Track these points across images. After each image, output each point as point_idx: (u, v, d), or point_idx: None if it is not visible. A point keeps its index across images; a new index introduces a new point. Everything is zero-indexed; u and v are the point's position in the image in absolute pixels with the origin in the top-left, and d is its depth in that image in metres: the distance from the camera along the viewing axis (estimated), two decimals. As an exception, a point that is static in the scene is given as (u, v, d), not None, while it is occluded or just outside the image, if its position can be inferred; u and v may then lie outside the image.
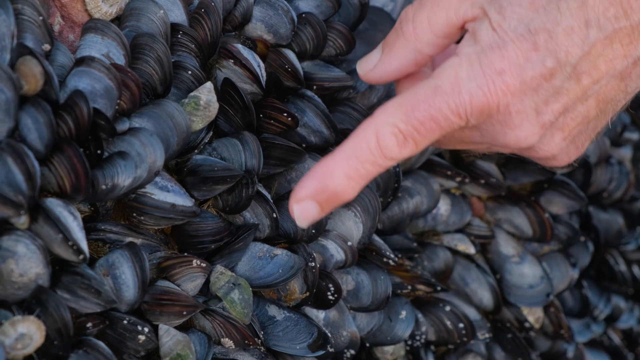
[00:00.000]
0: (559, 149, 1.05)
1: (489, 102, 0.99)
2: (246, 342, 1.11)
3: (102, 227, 1.07)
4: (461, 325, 1.28)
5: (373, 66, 1.08)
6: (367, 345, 1.26)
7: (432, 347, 1.33)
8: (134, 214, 1.08)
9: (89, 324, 1.03)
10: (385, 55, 1.08)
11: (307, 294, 1.16)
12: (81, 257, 1.00)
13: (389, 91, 1.26)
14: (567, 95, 1.01)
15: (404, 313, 1.25)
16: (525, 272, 1.33)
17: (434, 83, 0.99)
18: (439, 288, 1.28)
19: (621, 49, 1.00)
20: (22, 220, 0.99)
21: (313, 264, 1.15)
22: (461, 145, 1.10)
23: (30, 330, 0.98)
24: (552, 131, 1.03)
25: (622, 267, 1.46)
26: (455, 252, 1.32)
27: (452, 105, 0.99)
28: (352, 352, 1.23)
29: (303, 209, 1.01)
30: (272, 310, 1.17)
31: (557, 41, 0.98)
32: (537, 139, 1.03)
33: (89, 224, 1.07)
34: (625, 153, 1.48)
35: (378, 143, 0.99)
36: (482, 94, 0.99)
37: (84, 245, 1.00)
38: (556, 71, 0.99)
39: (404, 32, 1.05)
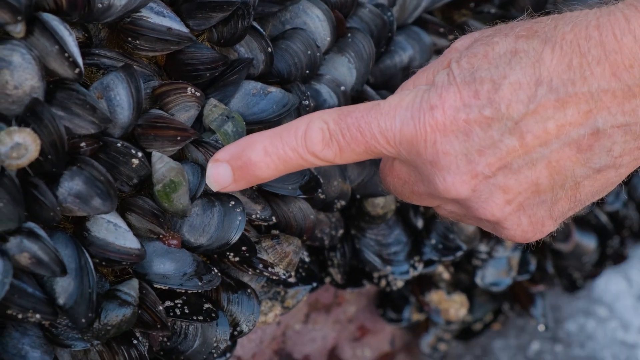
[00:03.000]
0: (501, 212, 1.00)
1: (417, 135, 0.99)
2: (239, 174, 1.11)
3: (97, 52, 1.07)
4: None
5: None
6: (358, 197, 1.26)
7: (422, 209, 1.34)
8: (129, 39, 1.07)
9: (83, 144, 1.03)
10: None
11: (300, 133, 1.16)
12: (77, 70, 1.00)
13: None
14: (505, 150, 0.97)
15: (395, 163, 1.25)
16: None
17: (378, 101, 1.01)
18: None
19: (577, 115, 0.95)
20: (19, 29, 0.98)
21: (307, 102, 1.15)
22: (413, 197, 1.08)
23: (26, 141, 0.98)
24: (490, 188, 0.99)
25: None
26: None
27: (382, 125, 1.00)
28: (343, 202, 1.23)
29: (216, 171, 1.04)
30: (265, 151, 1.16)
31: (501, 93, 0.96)
32: (468, 190, 0.99)
33: (84, 49, 1.06)
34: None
35: (305, 132, 1.02)
36: (413, 125, 0.99)
37: (79, 59, 1.00)
38: (493, 122, 0.96)
39: None
